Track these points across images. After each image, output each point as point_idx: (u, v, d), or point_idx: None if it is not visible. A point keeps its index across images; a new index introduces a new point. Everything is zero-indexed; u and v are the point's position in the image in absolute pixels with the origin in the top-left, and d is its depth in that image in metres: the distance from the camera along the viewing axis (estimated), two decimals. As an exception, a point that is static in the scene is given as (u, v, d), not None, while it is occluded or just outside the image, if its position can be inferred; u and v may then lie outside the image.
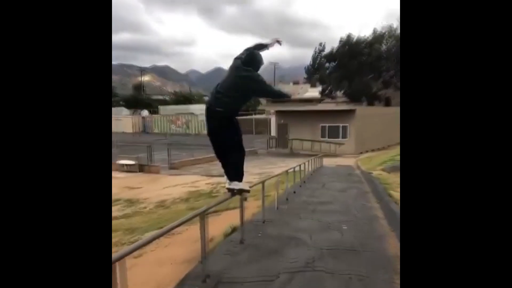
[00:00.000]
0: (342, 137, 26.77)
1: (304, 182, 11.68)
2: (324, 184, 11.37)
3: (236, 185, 3.85)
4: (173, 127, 46.46)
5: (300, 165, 12.20)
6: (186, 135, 42.47)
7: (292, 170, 10.84)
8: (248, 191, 4.04)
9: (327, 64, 42.53)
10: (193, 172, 20.49)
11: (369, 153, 25.60)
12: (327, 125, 27.19)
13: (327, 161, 22.25)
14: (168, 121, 46.67)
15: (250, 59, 3.63)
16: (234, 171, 3.85)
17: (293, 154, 27.12)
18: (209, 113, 3.66)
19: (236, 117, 3.78)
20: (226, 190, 4.00)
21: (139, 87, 75.91)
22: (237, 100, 3.64)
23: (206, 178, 19.14)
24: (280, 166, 20.61)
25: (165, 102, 61.65)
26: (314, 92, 46.96)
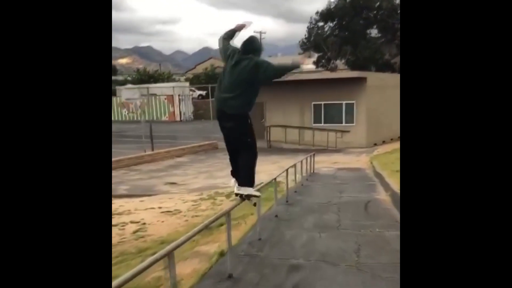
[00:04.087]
0: (347, 122, 19.05)
1: (243, 253, 3.75)
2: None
3: (244, 190, 3.83)
4: (124, 112, 38.34)
5: (273, 180, 6.68)
6: (139, 122, 34.24)
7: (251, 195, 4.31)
8: (257, 196, 4.07)
9: (322, 23, 34.46)
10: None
11: (388, 145, 17.66)
12: (322, 103, 19.36)
13: (323, 161, 14.56)
14: (118, 105, 38.52)
15: (248, 46, 3.70)
16: (244, 175, 3.82)
17: (271, 149, 19.22)
18: (221, 117, 3.73)
19: (250, 117, 3.78)
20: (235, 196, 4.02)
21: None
22: (247, 96, 3.64)
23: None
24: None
25: (126, 83, 53.67)
26: (307, 63, 38.81)
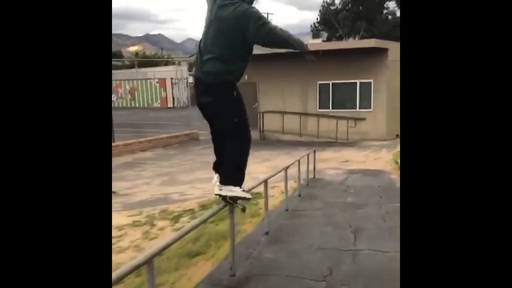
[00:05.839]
0: (362, 107, 14.85)
1: None
2: None
3: (229, 190, 2.88)
4: (113, 98, 34.44)
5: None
6: (129, 108, 30.39)
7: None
8: (248, 199, 2.99)
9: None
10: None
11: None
12: (330, 82, 15.20)
13: (330, 159, 11.18)
14: (105, 90, 34.61)
15: None
16: (228, 169, 2.87)
17: (265, 141, 15.22)
18: (198, 88, 2.79)
19: (237, 89, 2.80)
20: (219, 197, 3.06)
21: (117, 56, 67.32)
22: (231, 58, 2.65)
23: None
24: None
25: (124, 68, 50.74)
26: (316, 42, 34.79)
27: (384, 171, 9.38)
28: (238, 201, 2.99)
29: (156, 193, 8.78)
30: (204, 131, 17.59)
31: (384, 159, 11.08)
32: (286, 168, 5.46)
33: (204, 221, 3.02)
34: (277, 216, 5.16)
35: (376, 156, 11.65)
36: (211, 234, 5.53)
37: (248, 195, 2.96)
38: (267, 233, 4.34)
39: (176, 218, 6.84)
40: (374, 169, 9.81)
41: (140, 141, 13.44)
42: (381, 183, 7.90)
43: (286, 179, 5.54)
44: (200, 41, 2.77)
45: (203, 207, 7.33)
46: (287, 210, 5.45)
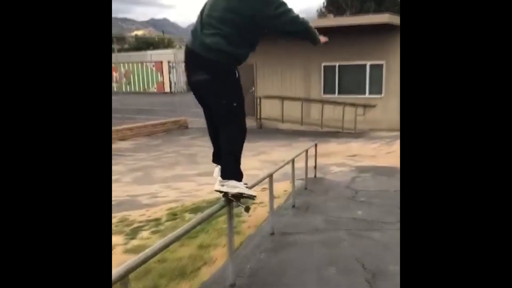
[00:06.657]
0: (372, 92, 13.29)
1: None
2: None
3: (231, 186, 2.52)
4: (108, 83, 32.94)
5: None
6: (124, 93, 28.88)
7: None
8: (252, 198, 2.63)
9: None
10: None
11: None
12: (337, 64, 13.70)
13: (336, 153, 9.66)
14: (100, 73, 33.19)
15: None
16: (229, 161, 2.52)
17: (262, 130, 13.76)
18: (191, 61, 2.42)
19: (237, 70, 2.47)
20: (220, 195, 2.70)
21: (120, 40, 67.15)
22: (241, 43, 2.36)
23: None
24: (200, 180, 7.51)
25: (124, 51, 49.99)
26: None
27: (399, 169, 7.82)
28: (241, 199, 2.63)
29: (122, 195, 7.23)
30: (194, 118, 16.07)
31: (397, 153, 9.48)
32: (271, 175, 3.84)
33: (167, 246, 2.18)
34: (256, 247, 3.58)
35: (388, 150, 10.05)
36: (167, 264, 3.98)
37: (253, 193, 2.63)
38: (232, 285, 2.75)
39: (134, 232, 5.35)
40: (387, 166, 8.29)
41: (118, 129, 11.84)
42: (397, 187, 6.30)
43: (271, 189, 3.93)
44: (203, 8, 2.39)
45: (173, 216, 5.82)
46: (272, 233, 3.86)
